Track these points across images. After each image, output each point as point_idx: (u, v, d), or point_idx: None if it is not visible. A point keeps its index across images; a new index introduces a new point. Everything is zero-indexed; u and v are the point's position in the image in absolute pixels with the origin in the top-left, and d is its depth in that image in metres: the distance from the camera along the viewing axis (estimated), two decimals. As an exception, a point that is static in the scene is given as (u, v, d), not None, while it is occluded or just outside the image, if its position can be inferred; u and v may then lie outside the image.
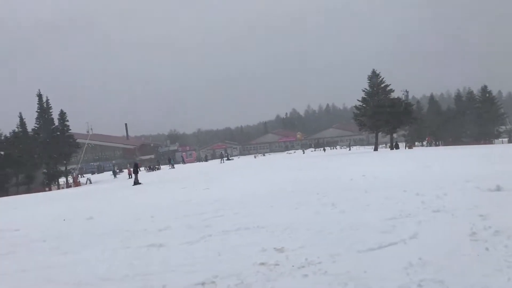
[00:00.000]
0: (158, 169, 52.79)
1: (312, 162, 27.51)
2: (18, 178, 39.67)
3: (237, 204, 9.99)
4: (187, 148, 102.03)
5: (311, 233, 6.37)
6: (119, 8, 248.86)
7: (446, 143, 61.88)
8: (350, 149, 65.50)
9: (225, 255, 5.66)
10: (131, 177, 35.69)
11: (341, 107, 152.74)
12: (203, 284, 4.65)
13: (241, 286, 4.49)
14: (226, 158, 61.52)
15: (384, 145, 60.80)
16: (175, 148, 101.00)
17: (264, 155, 72.74)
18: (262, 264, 5.11)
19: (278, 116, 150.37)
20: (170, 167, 48.52)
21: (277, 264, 5.04)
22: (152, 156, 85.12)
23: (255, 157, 62.35)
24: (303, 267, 4.87)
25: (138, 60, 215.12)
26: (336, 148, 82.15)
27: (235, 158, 72.96)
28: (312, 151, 76.17)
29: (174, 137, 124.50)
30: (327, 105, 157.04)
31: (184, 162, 70.76)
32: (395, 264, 4.63)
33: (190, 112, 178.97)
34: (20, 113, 43.14)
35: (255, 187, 13.88)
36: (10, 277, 5.69)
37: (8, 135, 41.65)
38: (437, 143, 65.71)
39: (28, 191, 37.90)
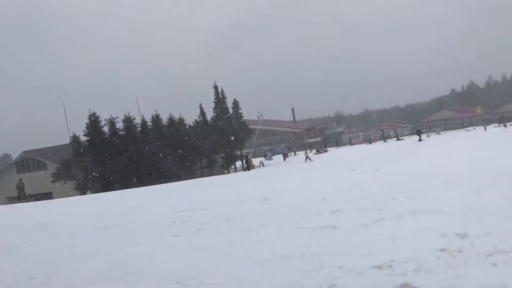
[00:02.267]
0: (326, 151, 53.47)
1: (497, 139, 24.78)
2: (201, 162, 44.27)
3: (411, 187, 9.56)
4: (354, 129, 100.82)
5: (498, 219, 5.77)
6: None
7: None
8: None
9: (401, 239, 5.49)
10: (308, 159, 38.78)
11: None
12: (380, 267, 4.60)
13: (420, 272, 4.31)
14: (396, 138, 59.23)
15: None
16: (342, 129, 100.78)
17: (439, 133, 67.72)
18: (443, 250, 4.81)
19: (453, 90, 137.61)
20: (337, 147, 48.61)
21: (460, 251, 4.71)
22: (319, 139, 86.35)
23: (428, 136, 58.36)
24: (491, 255, 4.45)
25: (304, 46, 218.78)
26: (524, 123, 72.17)
27: (405, 138, 69.50)
28: (495, 127, 68.18)
29: (340, 119, 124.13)
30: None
31: (351, 144, 70.19)
32: None
33: (356, 92, 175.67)
34: (200, 104, 47.96)
35: (428, 168, 13.09)
36: (201, 252, 6.40)
37: (191, 124, 46.66)
38: None
39: (210, 174, 42.05)
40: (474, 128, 73.48)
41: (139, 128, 42.85)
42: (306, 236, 6.39)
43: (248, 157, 51.06)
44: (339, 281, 4.42)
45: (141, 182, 36.45)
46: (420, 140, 44.31)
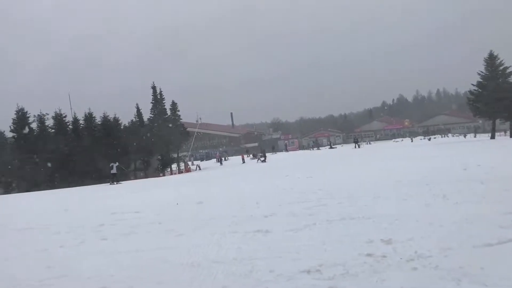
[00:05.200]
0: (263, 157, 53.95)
1: (422, 151, 26.25)
2: (135, 164, 43.15)
3: (341, 194, 9.88)
4: (289, 136, 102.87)
5: (420, 225, 6.10)
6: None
7: None
8: (475, 136, 60.44)
9: (330, 244, 5.64)
10: (244, 162, 39.98)
11: (453, 92, 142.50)
12: (308, 271, 4.70)
13: (347, 276, 4.46)
14: (329, 147, 61.00)
15: (503, 133, 55.79)
16: (278, 136, 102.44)
17: (370, 143, 70.57)
18: (369, 255, 5.01)
19: (384, 103, 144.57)
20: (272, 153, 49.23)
21: (384, 256, 4.92)
22: (256, 144, 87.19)
23: (355, 146, 60.74)
24: (412, 260, 4.69)
25: (242, 50, 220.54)
26: (447, 136, 77.09)
27: (338, 146, 71.90)
28: (421, 139, 72.23)
29: (276, 125, 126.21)
30: (438, 90, 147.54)
31: (286, 150, 71.47)
32: (518, 262, 4.27)
33: (293, 100, 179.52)
34: (137, 104, 46.69)
35: (360, 177, 13.61)
36: (131, 256, 6.22)
37: (127, 124, 45.29)
38: None
39: (145, 176, 41.08)
40: (402, 140, 77.46)
41: (70, 126, 41.07)
42: (239, 240, 6.41)
43: (185, 160, 50.57)
44: (269, 285, 4.46)
45: (71, 183, 34.95)
46: (358, 147, 49.13)
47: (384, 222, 6.54)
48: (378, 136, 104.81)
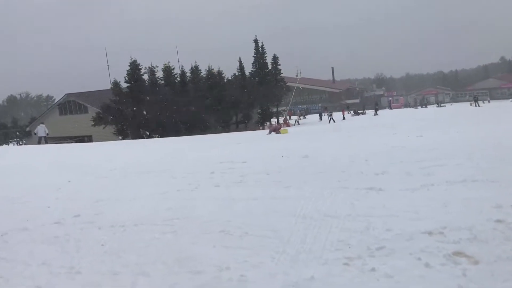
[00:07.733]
0: (363, 114, 52.46)
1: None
2: (237, 117, 44.28)
3: (459, 154, 9.18)
4: (394, 93, 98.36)
5: (559, 194, 5.47)
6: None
7: None
8: None
9: (452, 207, 5.29)
10: (344, 119, 39.20)
11: None
12: (430, 233, 4.46)
13: (475, 241, 4.16)
14: (437, 105, 57.42)
15: None
16: (381, 92, 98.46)
17: (489, 102, 64.80)
18: (499, 221, 4.61)
19: (503, 58, 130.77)
20: (374, 113, 47.37)
21: (518, 224, 4.49)
22: (357, 101, 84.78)
23: (471, 104, 56.04)
24: (553, 231, 4.24)
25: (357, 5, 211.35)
26: None
27: (447, 105, 67.28)
28: (544, 99, 64.93)
29: (380, 81, 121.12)
30: None
31: (390, 108, 68.62)
32: None
33: (399, 54, 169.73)
34: (239, 57, 47.36)
35: (479, 137, 12.54)
36: (243, 203, 6.40)
37: (230, 78, 46.36)
38: None
39: (245, 129, 42.08)
40: (522, 99, 70.30)
41: (178, 79, 42.95)
42: (351, 196, 6.26)
43: (285, 114, 50.85)
44: (387, 243, 4.33)
45: (178, 132, 36.95)
46: (478, 105, 47.08)
47: (512, 187, 5.98)
48: (492, 95, 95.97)
